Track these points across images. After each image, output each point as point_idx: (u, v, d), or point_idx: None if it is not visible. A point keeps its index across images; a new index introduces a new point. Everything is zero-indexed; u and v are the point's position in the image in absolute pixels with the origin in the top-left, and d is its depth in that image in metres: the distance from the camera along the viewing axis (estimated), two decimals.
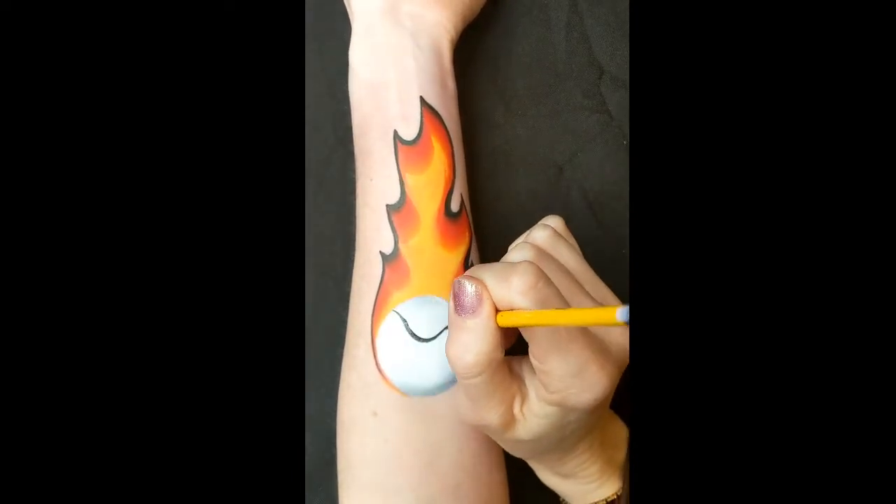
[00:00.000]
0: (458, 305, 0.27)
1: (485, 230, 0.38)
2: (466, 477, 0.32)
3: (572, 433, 0.29)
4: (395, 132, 0.33)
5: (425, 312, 0.32)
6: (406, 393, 0.31)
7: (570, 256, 0.31)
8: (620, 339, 0.28)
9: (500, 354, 0.28)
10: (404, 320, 0.32)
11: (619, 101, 0.40)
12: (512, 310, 0.27)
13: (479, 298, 0.27)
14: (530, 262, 0.27)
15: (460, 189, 0.34)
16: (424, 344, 0.32)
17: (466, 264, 0.33)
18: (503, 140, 0.40)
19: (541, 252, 0.30)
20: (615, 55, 0.40)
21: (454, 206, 0.33)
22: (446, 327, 0.32)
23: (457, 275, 0.33)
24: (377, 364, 0.32)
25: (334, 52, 0.40)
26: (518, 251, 0.30)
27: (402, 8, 0.34)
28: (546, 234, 0.31)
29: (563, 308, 0.27)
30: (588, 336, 0.27)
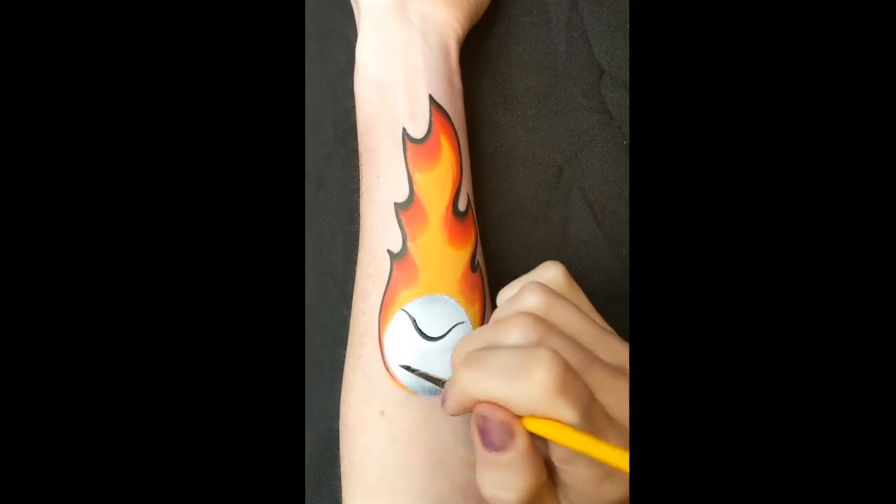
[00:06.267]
0: (486, 441, 0.23)
1: (485, 230, 0.38)
2: (474, 475, 0.32)
3: None
4: (404, 130, 0.33)
5: (433, 311, 0.32)
6: (414, 392, 0.31)
7: (573, 319, 0.26)
8: None
9: (544, 477, 0.24)
10: (413, 319, 0.32)
11: (619, 101, 0.40)
12: (535, 415, 0.23)
13: (511, 432, 0.23)
14: (550, 350, 0.23)
15: (467, 188, 0.34)
16: (433, 343, 0.32)
17: (473, 263, 0.33)
18: (503, 140, 0.40)
19: (544, 324, 0.25)
20: (615, 55, 0.40)
21: (461, 205, 0.33)
22: (455, 326, 0.32)
23: (464, 274, 0.33)
24: (385, 363, 0.32)
25: (335, 52, 0.40)
26: (517, 329, 0.25)
27: (410, 6, 0.34)
28: (539, 298, 0.26)
29: (593, 406, 0.23)
30: (616, 430, 0.23)
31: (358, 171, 0.35)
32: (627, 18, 0.40)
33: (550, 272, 0.28)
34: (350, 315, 0.34)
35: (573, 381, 0.23)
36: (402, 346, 0.32)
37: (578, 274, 0.39)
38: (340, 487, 0.33)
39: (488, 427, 0.23)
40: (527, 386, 0.22)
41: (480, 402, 0.24)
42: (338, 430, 0.33)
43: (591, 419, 0.23)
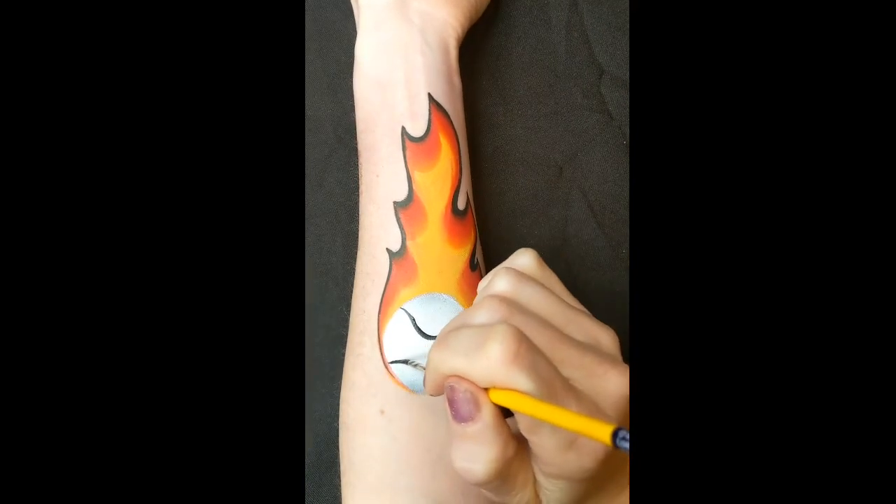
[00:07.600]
0: (455, 413, 0.25)
1: (485, 230, 0.38)
2: None
3: (598, 496, 0.26)
4: (403, 129, 0.33)
5: (433, 310, 0.32)
6: (413, 391, 0.31)
7: (541, 299, 0.27)
8: (612, 388, 0.25)
9: (512, 450, 0.25)
10: (412, 317, 0.32)
11: (619, 101, 0.40)
12: (496, 386, 0.24)
13: (476, 402, 0.24)
14: (507, 325, 0.24)
15: (466, 187, 0.34)
16: (432, 341, 0.32)
17: (472, 262, 0.33)
18: (503, 140, 0.40)
19: (510, 304, 0.26)
20: (615, 55, 0.40)
21: (461, 204, 0.33)
22: None
23: (464, 273, 0.33)
24: (384, 361, 0.32)
25: (335, 51, 0.40)
26: (483, 309, 0.26)
27: (410, 5, 0.34)
28: (508, 281, 0.27)
29: (553, 378, 0.24)
30: (577, 399, 0.24)
31: (358, 170, 0.35)
32: (627, 18, 0.40)
33: (523, 258, 0.29)
34: (350, 314, 0.34)
35: (527, 352, 0.24)
36: (402, 344, 0.32)
37: (578, 274, 0.39)
38: (340, 487, 0.33)
39: (456, 398, 0.25)
40: (484, 358, 0.24)
41: (449, 377, 0.25)
42: (338, 430, 0.34)
43: (551, 389, 0.24)
